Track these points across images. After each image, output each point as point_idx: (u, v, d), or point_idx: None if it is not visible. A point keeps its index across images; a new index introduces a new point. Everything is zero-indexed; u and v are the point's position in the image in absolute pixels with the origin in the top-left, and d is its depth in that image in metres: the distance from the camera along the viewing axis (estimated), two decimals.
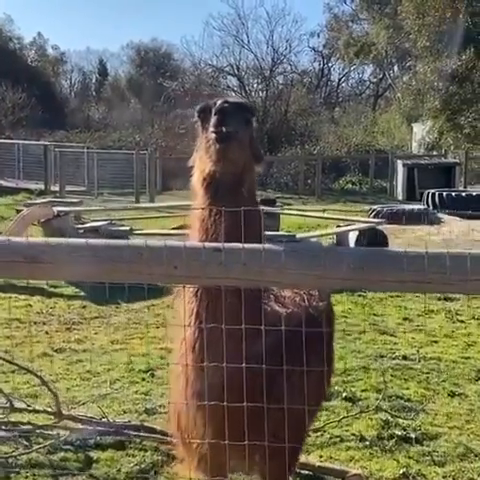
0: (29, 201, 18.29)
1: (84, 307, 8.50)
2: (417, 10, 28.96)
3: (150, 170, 23.31)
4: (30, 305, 8.47)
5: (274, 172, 30.64)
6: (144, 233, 10.72)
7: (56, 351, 6.57)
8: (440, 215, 16.37)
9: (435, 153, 31.21)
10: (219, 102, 2.64)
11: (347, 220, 12.88)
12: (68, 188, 23.94)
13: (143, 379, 5.90)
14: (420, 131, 34.31)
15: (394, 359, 6.52)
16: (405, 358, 6.55)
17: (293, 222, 15.42)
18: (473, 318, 8.23)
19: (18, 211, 17.99)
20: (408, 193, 24.86)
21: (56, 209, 10.55)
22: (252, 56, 37.98)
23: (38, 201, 17.68)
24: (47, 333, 7.27)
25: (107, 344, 6.94)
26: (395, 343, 7.12)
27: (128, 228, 10.61)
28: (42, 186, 24.38)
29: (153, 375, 5.96)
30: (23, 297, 8.89)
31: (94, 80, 64.83)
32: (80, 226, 10.47)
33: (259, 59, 37.89)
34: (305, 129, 36.28)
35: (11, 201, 21.82)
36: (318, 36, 45.84)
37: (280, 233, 10.97)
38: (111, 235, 10.11)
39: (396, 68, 46.56)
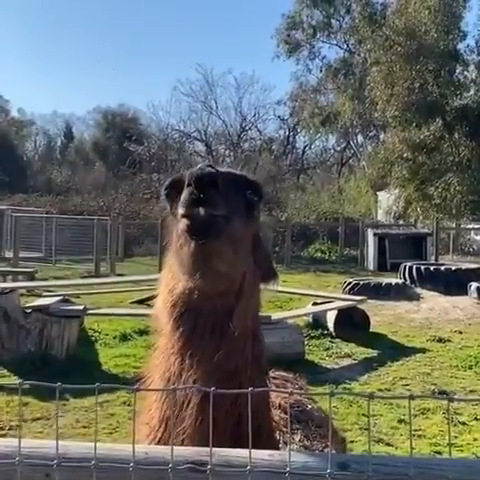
0: None
1: (25, 404, 7.23)
2: (385, 80, 29.08)
3: (112, 236, 22.20)
4: None
5: None
6: (99, 313, 9.61)
7: None
8: (419, 290, 15.55)
9: (402, 222, 30.92)
10: (198, 166, 1.67)
11: (325, 297, 11.92)
12: (25, 254, 22.63)
13: None
14: (385, 199, 34.16)
15: None
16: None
17: (263, 295, 14.37)
18: (475, 419, 7.20)
19: None
20: (379, 263, 24.18)
21: None
22: (220, 122, 37.83)
23: None
24: None
25: None
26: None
27: (82, 307, 9.44)
28: None
29: None
30: None
31: (59, 143, 64.33)
32: (28, 305, 9.25)
33: (227, 125, 37.74)
34: (273, 196, 35.83)
35: None
36: (285, 104, 46.15)
37: None
38: (63, 314, 8.93)
39: (360, 137, 46.99)
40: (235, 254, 1.68)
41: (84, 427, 6.63)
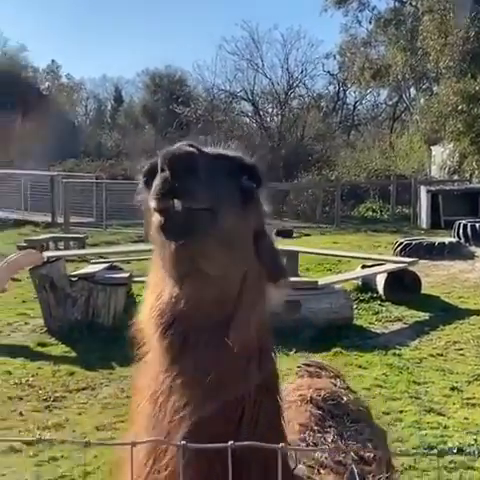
0: (29, 237, 17.26)
1: (72, 374, 7.26)
2: (439, 30, 27.80)
3: None
4: (9, 372, 7.25)
5: (291, 200, 29.45)
6: (145, 280, 9.51)
7: (27, 443, 5.31)
8: (473, 249, 14.98)
9: (456, 178, 29.89)
10: (176, 145, 1.39)
11: (374, 259, 11.57)
12: (76, 220, 22.92)
13: None
14: (440, 154, 33.02)
15: (447, 453, 5.18)
16: (461, 451, 5.23)
17: (312, 258, 14.13)
18: None
19: (19, 247, 17.04)
20: (432, 221, 23.50)
21: (46, 254, 9.39)
22: (266, 80, 36.99)
23: (40, 237, 16.67)
24: (21, 414, 6.04)
25: (91, 431, 5.69)
26: (445, 426, 5.78)
27: (127, 274, 9.39)
28: (49, 218, 23.37)
29: None
30: (3, 359, 7.71)
31: (109, 107, 64.58)
32: (73, 273, 9.26)
33: (274, 83, 36.88)
34: (322, 154, 35.09)
35: (15, 235, 20.85)
36: (334, 58, 44.86)
37: (300, 279, 9.70)
38: (108, 282, 8.91)
39: (412, 90, 45.46)
40: (228, 254, 1.38)
41: (128, 397, 6.60)
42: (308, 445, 1.99)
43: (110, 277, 9.03)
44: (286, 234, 20.88)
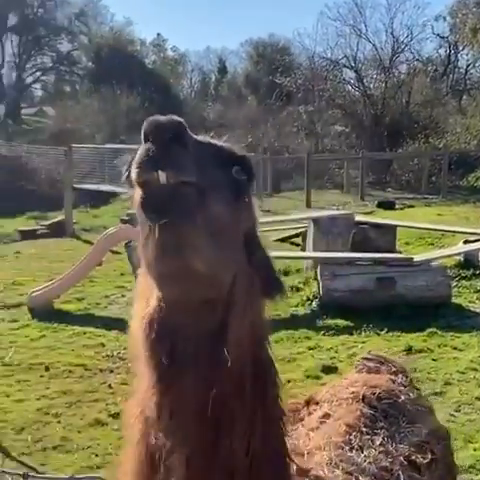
0: (131, 211, 17.74)
1: None
2: None
3: (260, 172, 22.22)
4: (103, 344, 7.50)
5: (394, 169, 28.53)
6: None
7: (113, 416, 5.47)
8: None
9: None
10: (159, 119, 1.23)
11: (478, 234, 10.95)
12: None
13: None
14: None
15: None
16: None
17: (413, 232, 13.60)
18: None
19: (122, 220, 17.62)
20: None
21: None
22: (370, 46, 35.76)
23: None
24: (110, 387, 6.22)
25: None
26: None
27: None
28: None
29: None
30: (99, 332, 7.98)
31: (213, 79, 65.01)
32: None
33: (378, 48, 35.59)
34: (429, 121, 33.64)
35: (120, 208, 21.56)
36: (444, 19, 42.62)
37: (394, 255, 9.35)
38: None
39: None
40: (217, 249, 1.22)
41: None
42: (352, 448, 1.85)
43: None
44: (388, 205, 20.29)
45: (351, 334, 7.68)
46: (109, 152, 27.60)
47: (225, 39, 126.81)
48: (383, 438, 1.94)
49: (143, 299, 1.36)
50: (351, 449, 1.84)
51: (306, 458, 1.73)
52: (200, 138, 1.32)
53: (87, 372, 6.61)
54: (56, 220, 17.05)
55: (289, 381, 6.40)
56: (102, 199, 23.66)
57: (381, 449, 1.88)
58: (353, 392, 2.12)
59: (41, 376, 6.45)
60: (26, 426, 5.27)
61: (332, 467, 1.70)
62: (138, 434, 1.37)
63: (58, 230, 16.20)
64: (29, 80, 57.00)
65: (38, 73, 56.67)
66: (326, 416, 2.03)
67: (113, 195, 23.82)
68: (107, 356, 7.08)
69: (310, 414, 2.13)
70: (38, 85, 60.55)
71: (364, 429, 1.94)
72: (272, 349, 1.42)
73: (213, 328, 1.29)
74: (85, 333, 7.89)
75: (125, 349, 7.34)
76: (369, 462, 1.80)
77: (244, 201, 1.35)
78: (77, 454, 4.86)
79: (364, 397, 2.10)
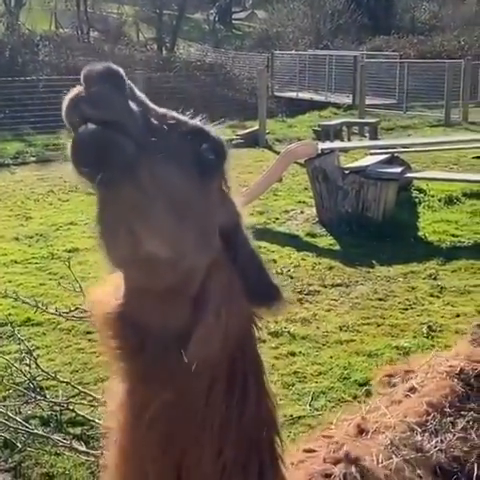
0: (325, 122, 17.49)
1: (330, 268, 7.42)
2: None
3: (466, 80, 20.47)
4: (274, 261, 7.67)
5: None
6: (421, 177, 8.99)
7: (273, 335, 5.66)
8: None
9: None
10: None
11: None
12: (376, 101, 22.52)
13: (355, 397, 4.55)
14: None
15: None
16: None
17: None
18: None
19: (315, 131, 17.50)
20: None
21: (320, 146, 9.44)
22: None
23: (332, 122, 16.83)
24: None
25: (334, 330, 5.83)
26: None
27: (400, 169, 9.01)
28: (350, 100, 23.36)
29: (369, 393, 3.69)
30: (274, 247, 8.16)
31: None
32: (346, 166, 9.22)
33: None
34: None
35: (316, 117, 21.33)
36: None
37: None
38: (379, 177, 8.71)
39: None
40: (177, 224, 1.11)
41: (380, 299, 6.56)
42: (425, 431, 1.73)
43: (382, 171, 8.78)
44: None
45: None
46: (311, 58, 27.20)
47: None
48: (468, 422, 1.79)
49: (112, 284, 1.26)
50: (424, 432, 1.72)
51: (369, 436, 1.67)
52: (156, 107, 1.18)
53: None
54: (251, 130, 17.35)
55: (458, 315, 6.15)
56: (303, 107, 23.46)
57: (460, 435, 1.74)
58: (451, 366, 1.98)
59: None
60: None
61: (390, 452, 1.61)
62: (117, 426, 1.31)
63: (252, 140, 16.51)
64: None
65: None
66: (412, 390, 1.92)
67: (311, 104, 23.57)
68: (276, 273, 7.26)
69: (404, 382, 2.04)
70: None
71: (448, 410, 1.81)
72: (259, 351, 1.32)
73: (181, 325, 1.19)
74: (259, 248, 8.12)
75: (295, 267, 7.50)
76: (440, 449, 1.66)
77: (213, 182, 1.23)
78: None
79: (461, 372, 1.94)
